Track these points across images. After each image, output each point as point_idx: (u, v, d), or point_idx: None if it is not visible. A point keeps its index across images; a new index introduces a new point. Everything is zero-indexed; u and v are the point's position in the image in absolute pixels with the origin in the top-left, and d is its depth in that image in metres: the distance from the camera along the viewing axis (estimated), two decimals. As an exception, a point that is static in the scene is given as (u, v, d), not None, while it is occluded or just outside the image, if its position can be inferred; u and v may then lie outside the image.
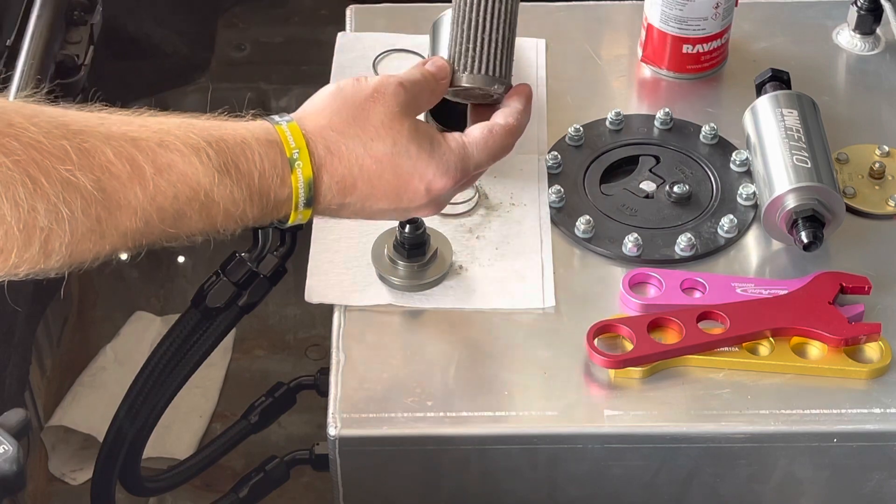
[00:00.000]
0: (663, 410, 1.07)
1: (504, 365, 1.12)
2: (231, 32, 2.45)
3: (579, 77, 1.38)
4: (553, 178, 1.26)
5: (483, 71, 1.06)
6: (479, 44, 1.07)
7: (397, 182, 0.99)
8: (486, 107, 1.09)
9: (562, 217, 1.22)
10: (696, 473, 1.09)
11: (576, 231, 1.20)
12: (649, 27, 1.36)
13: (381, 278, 1.17)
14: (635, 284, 1.16)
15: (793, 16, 1.45)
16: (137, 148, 0.87)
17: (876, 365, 1.10)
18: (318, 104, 0.99)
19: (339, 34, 1.42)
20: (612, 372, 1.09)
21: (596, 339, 1.10)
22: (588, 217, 1.20)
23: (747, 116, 1.26)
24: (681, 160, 1.27)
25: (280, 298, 1.79)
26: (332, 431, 1.06)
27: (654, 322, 1.11)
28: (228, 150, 0.92)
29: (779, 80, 1.28)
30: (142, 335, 1.98)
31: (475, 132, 1.03)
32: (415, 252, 1.15)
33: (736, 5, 1.35)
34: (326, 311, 1.17)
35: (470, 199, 1.23)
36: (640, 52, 1.39)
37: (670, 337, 1.11)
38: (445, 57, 1.07)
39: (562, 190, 1.23)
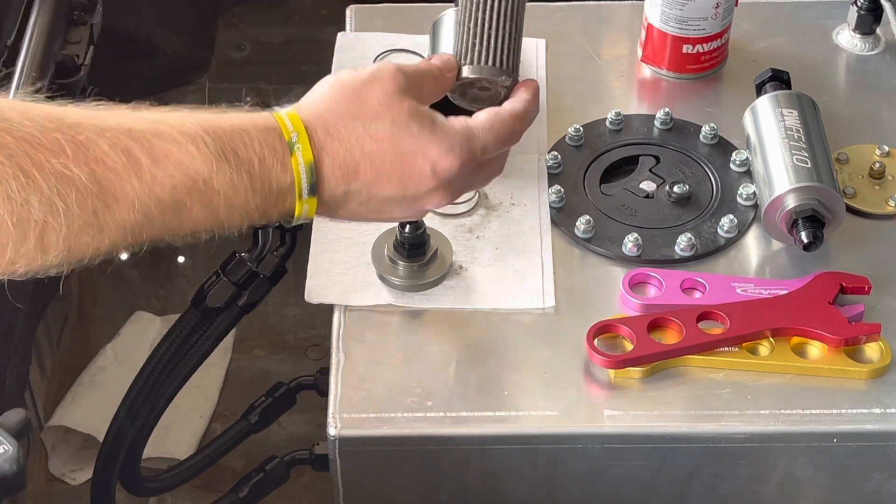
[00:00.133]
0: (663, 410, 1.07)
1: (504, 365, 1.12)
2: (231, 32, 2.45)
3: (579, 77, 1.38)
4: (553, 178, 1.26)
5: (489, 62, 1.06)
6: (485, 38, 1.07)
7: (401, 163, 0.96)
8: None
9: (562, 217, 1.22)
10: (696, 473, 1.09)
11: (576, 231, 1.20)
12: (649, 27, 1.36)
13: (381, 278, 1.17)
14: (635, 284, 1.16)
15: (793, 16, 1.45)
16: (133, 139, 0.86)
17: (876, 365, 1.10)
18: (315, 94, 0.98)
19: (339, 34, 1.42)
20: (612, 372, 1.09)
21: (596, 339, 1.10)
22: (588, 217, 1.20)
23: (747, 116, 1.26)
24: (681, 160, 1.27)
25: (280, 298, 1.79)
26: (332, 431, 1.06)
27: (654, 322, 1.11)
28: (226, 137, 0.90)
29: (779, 80, 1.28)
30: (142, 335, 1.98)
31: (481, 115, 1.01)
32: (415, 252, 1.15)
33: (736, 5, 1.35)
34: (326, 311, 1.17)
35: (470, 199, 1.23)
36: (640, 52, 1.39)
37: (670, 337, 1.11)
38: (451, 53, 1.07)
39: (562, 190, 1.23)
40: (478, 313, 1.16)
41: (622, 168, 1.28)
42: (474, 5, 1.08)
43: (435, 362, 1.12)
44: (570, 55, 1.41)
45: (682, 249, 1.18)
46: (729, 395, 1.08)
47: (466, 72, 1.06)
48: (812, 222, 1.15)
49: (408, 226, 1.14)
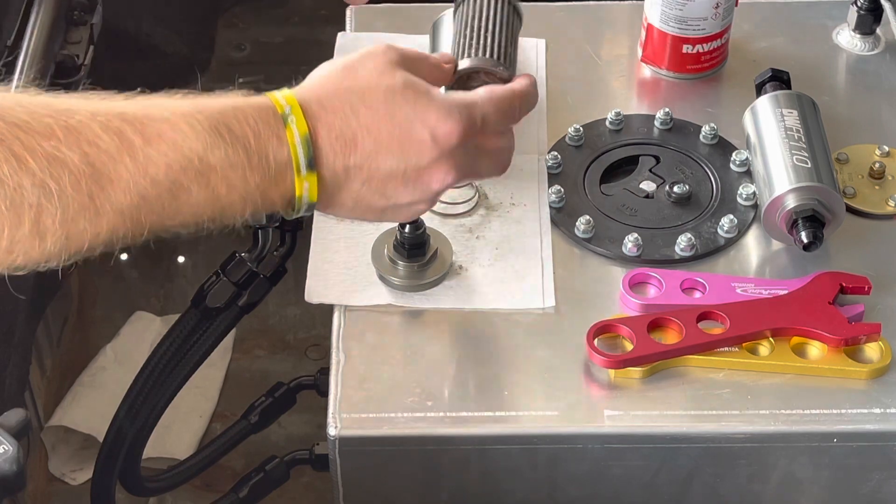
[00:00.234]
0: (663, 410, 1.07)
1: (504, 365, 1.12)
2: (231, 32, 2.45)
3: (579, 77, 1.38)
4: (553, 178, 1.26)
5: (487, 54, 1.07)
6: (482, 37, 1.08)
7: (399, 131, 0.94)
8: None
9: (562, 217, 1.22)
10: (696, 473, 1.09)
11: (576, 231, 1.20)
12: (649, 27, 1.36)
13: (381, 278, 1.17)
14: (635, 284, 1.16)
15: (793, 16, 1.45)
16: (125, 121, 0.85)
17: (876, 365, 1.10)
18: (309, 79, 0.97)
19: (339, 34, 1.42)
20: (612, 372, 1.09)
21: (596, 339, 1.10)
22: (588, 217, 1.20)
23: (747, 116, 1.26)
24: (681, 160, 1.27)
25: (280, 298, 1.79)
26: (332, 431, 1.06)
27: (654, 322, 1.11)
28: (219, 114, 0.89)
29: (779, 80, 1.28)
30: (142, 335, 1.98)
31: (479, 90, 1.00)
32: (415, 252, 1.15)
33: (736, 5, 1.35)
34: (326, 311, 1.17)
35: (470, 199, 1.23)
36: (640, 52, 1.39)
37: (670, 337, 1.11)
38: (449, 52, 1.08)
39: (562, 190, 1.23)
40: (478, 313, 1.15)
41: (622, 168, 1.28)
42: (470, 14, 1.10)
43: (435, 362, 1.12)
44: (570, 55, 1.41)
45: (682, 249, 1.18)
46: (729, 395, 1.08)
47: (464, 63, 1.07)
48: (812, 222, 1.15)
49: (408, 226, 1.14)
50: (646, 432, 1.07)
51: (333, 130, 0.93)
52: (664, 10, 1.33)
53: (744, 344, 1.11)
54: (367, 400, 1.08)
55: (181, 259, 2.13)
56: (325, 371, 1.22)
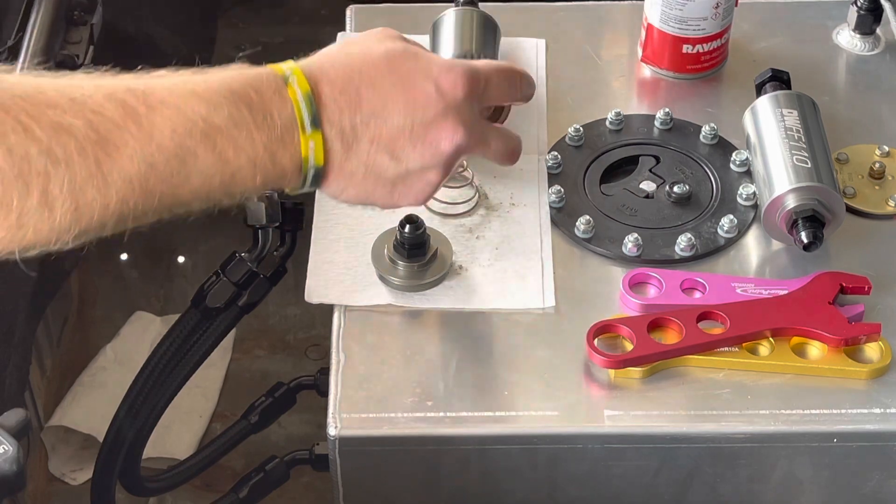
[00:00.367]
0: (663, 410, 1.07)
1: (504, 365, 1.12)
2: (231, 32, 2.45)
3: (579, 77, 1.38)
4: (553, 178, 1.26)
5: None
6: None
7: (403, 85, 0.94)
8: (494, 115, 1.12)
9: (562, 217, 1.22)
10: (696, 473, 1.09)
11: (576, 231, 1.20)
12: (649, 27, 1.36)
13: (381, 278, 1.17)
14: (635, 284, 1.16)
15: (793, 16, 1.45)
16: (129, 90, 0.86)
17: (876, 365, 1.10)
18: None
19: (339, 34, 1.42)
20: (612, 372, 1.09)
21: (596, 339, 1.10)
22: (588, 217, 1.20)
23: (747, 116, 1.26)
24: (681, 160, 1.27)
25: (280, 298, 1.79)
26: (332, 431, 1.06)
27: (654, 322, 1.11)
28: (220, 80, 0.90)
29: (779, 80, 1.28)
30: (142, 335, 1.98)
31: (480, 60, 1.03)
32: (415, 252, 1.15)
33: (736, 5, 1.35)
34: (326, 311, 1.17)
35: (470, 199, 1.23)
36: (640, 52, 1.39)
37: (670, 337, 1.11)
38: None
39: (562, 190, 1.23)
40: (478, 313, 1.15)
41: (622, 168, 1.28)
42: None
43: (435, 362, 1.12)
44: (570, 55, 1.41)
45: (682, 249, 1.18)
46: (729, 395, 1.08)
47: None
48: (812, 222, 1.15)
49: (408, 225, 1.14)
50: (646, 432, 1.07)
51: (336, 86, 0.93)
52: (664, 10, 1.33)
53: (744, 344, 1.11)
54: (366, 400, 1.08)
55: (181, 259, 2.13)
56: (325, 371, 1.22)
